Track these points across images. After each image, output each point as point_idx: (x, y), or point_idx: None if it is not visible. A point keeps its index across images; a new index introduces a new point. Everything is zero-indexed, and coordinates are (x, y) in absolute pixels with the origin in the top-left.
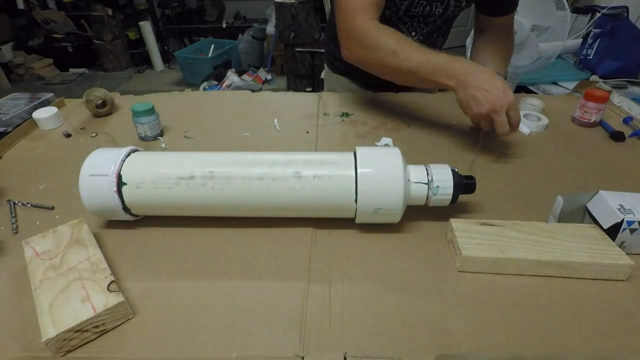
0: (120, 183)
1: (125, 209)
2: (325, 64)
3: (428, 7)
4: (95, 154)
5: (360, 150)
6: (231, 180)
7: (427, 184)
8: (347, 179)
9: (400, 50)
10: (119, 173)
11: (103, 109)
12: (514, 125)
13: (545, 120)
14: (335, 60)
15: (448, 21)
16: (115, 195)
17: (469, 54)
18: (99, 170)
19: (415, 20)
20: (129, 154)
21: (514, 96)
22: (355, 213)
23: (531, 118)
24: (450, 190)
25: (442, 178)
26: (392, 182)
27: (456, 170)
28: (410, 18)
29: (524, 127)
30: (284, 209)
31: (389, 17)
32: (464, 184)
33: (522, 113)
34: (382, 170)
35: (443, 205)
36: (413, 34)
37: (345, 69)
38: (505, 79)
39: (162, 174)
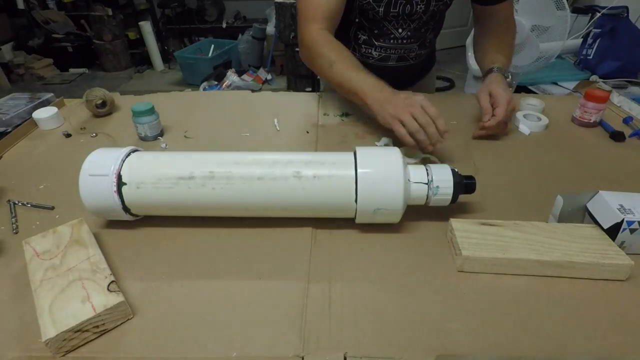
0: (120, 183)
1: (125, 209)
2: None
3: (409, 6)
4: (95, 154)
5: (360, 150)
6: (231, 180)
7: (427, 184)
8: (347, 179)
9: (335, 65)
10: (119, 173)
11: (103, 109)
12: (422, 124)
13: (545, 120)
14: None
15: (435, 16)
16: (115, 195)
17: (469, 53)
18: (99, 170)
19: (399, 18)
20: (129, 154)
21: (422, 101)
22: (355, 213)
23: (531, 118)
24: (450, 190)
25: (442, 178)
26: (392, 182)
27: (456, 170)
28: (394, 17)
29: (524, 127)
30: (284, 209)
31: (372, 17)
32: (464, 184)
33: (522, 113)
34: (382, 170)
35: (443, 205)
36: (400, 30)
37: None
38: (509, 77)
39: (162, 174)
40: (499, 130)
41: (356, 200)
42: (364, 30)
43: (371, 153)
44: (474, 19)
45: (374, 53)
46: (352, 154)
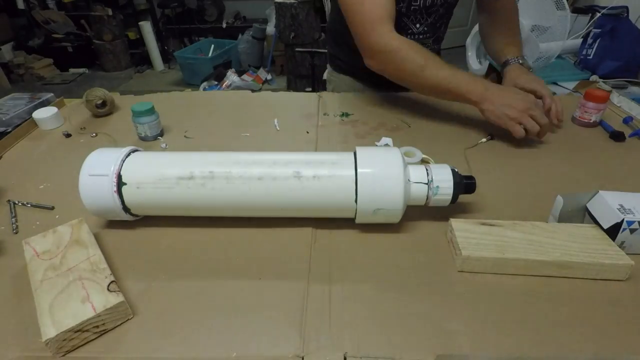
0: (120, 183)
1: (125, 209)
2: (327, 64)
3: None
4: (95, 154)
5: (360, 151)
6: (231, 181)
7: (427, 184)
8: (347, 179)
9: (427, 66)
10: (119, 173)
11: (103, 109)
12: (542, 125)
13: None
14: (338, 61)
15: (450, 9)
16: (115, 195)
17: (469, 53)
18: (99, 170)
19: (417, 13)
20: (129, 154)
21: (534, 100)
22: (355, 213)
23: None
24: (450, 191)
25: (442, 178)
26: (392, 182)
27: (456, 170)
28: (413, 12)
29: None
30: (284, 209)
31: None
32: (464, 184)
33: None
34: (382, 170)
35: (443, 205)
36: (417, 25)
37: (349, 68)
38: (525, 62)
39: (162, 174)
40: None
41: (356, 201)
42: None
43: (371, 153)
44: (478, 8)
45: None
46: (352, 154)
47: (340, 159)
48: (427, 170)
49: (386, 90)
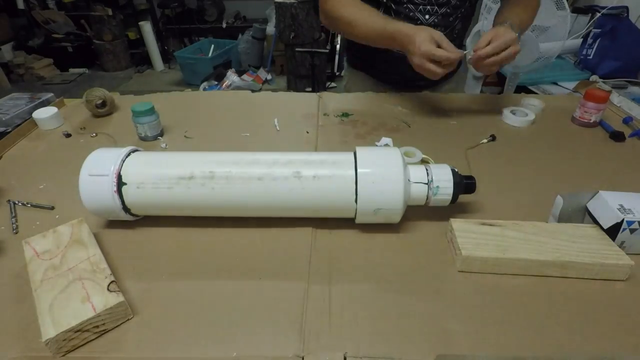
0: (120, 183)
1: (125, 209)
2: (345, 62)
3: None
4: (95, 154)
5: (360, 151)
6: (231, 180)
7: (427, 184)
8: (347, 179)
9: (355, 22)
10: (119, 173)
11: (103, 109)
12: (447, 64)
13: (531, 116)
14: (355, 59)
15: (466, 2)
16: (115, 195)
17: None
18: (99, 170)
19: (426, 1)
20: (129, 154)
21: (429, 47)
22: (355, 213)
23: (519, 114)
24: (450, 191)
25: (442, 178)
26: (392, 182)
27: (456, 170)
28: (421, 1)
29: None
30: (284, 209)
31: (399, 1)
32: (464, 184)
33: (509, 109)
34: (382, 170)
35: (443, 205)
36: (427, 16)
37: (365, 65)
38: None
39: (162, 174)
40: (487, 67)
41: (356, 201)
42: (388, 14)
43: (371, 153)
44: None
45: None
46: (352, 154)
47: (340, 159)
48: (427, 170)
49: (399, 86)
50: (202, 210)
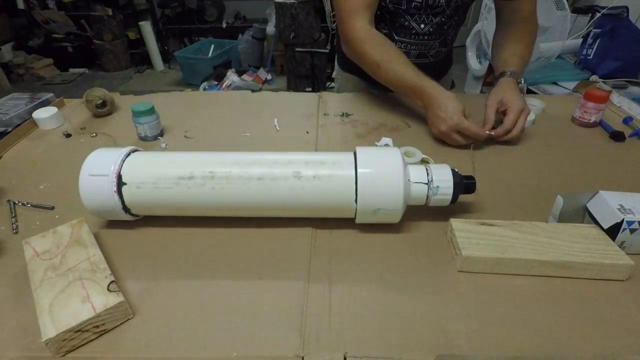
0: (120, 183)
1: (125, 209)
2: (336, 63)
3: None
4: (95, 154)
5: (360, 150)
6: (231, 181)
7: (427, 184)
8: (347, 179)
9: (383, 64)
10: (119, 173)
11: (103, 109)
12: (471, 138)
13: (531, 116)
14: (345, 60)
15: (459, 11)
16: (115, 195)
17: (469, 54)
18: (99, 170)
19: (422, 11)
20: (129, 154)
21: (461, 119)
22: (355, 213)
23: None
24: (450, 191)
25: (442, 178)
26: (392, 183)
27: (456, 170)
28: (417, 10)
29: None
30: (284, 209)
31: (394, 10)
32: (464, 184)
33: None
34: (382, 171)
35: (443, 205)
36: (422, 25)
37: (356, 67)
38: (521, 82)
39: (162, 174)
40: (511, 139)
41: (356, 201)
42: (384, 23)
43: (371, 153)
44: (497, 15)
45: None
46: (352, 154)
47: (340, 159)
48: (427, 170)
49: (389, 90)
50: (202, 210)
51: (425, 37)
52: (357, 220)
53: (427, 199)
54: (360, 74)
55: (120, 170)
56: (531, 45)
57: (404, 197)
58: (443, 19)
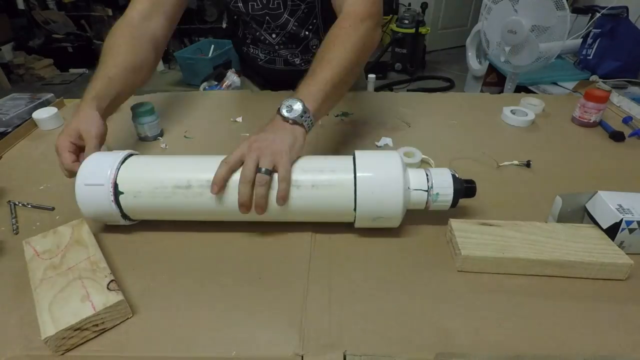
0: (117, 192)
1: (124, 216)
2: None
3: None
4: (89, 160)
5: (359, 156)
6: (229, 190)
7: (426, 190)
8: (345, 187)
9: (102, 56)
10: (115, 182)
11: None
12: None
13: (531, 116)
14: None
15: (311, 17)
16: (113, 205)
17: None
18: (95, 179)
19: (270, 24)
20: (124, 160)
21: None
22: (354, 220)
23: (519, 113)
24: (450, 197)
25: (442, 185)
26: (391, 191)
27: (456, 175)
28: (261, 21)
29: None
30: (283, 216)
31: (243, 20)
32: (464, 188)
33: (509, 108)
34: (382, 178)
35: (443, 210)
36: (273, 35)
37: (243, 70)
38: (307, 120)
39: (159, 182)
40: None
41: (355, 209)
42: (244, 34)
43: (370, 159)
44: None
45: (260, 55)
46: (351, 159)
47: (338, 165)
48: (427, 175)
49: (275, 90)
50: (200, 217)
51: (281, 47)
52: (357, 226)
53: (426, 205)
54: (248, 76)
55: (116, 178)
56: (339, 55)
57: (403, 205)
58: (294, 28)
